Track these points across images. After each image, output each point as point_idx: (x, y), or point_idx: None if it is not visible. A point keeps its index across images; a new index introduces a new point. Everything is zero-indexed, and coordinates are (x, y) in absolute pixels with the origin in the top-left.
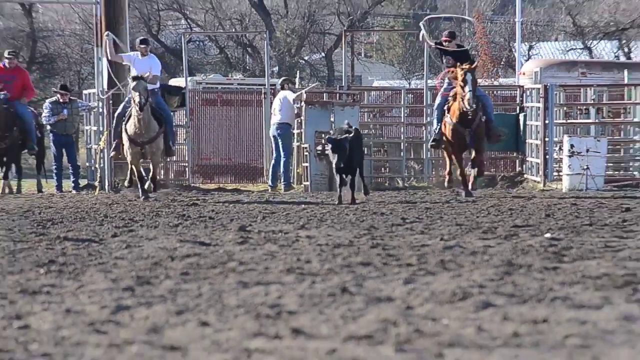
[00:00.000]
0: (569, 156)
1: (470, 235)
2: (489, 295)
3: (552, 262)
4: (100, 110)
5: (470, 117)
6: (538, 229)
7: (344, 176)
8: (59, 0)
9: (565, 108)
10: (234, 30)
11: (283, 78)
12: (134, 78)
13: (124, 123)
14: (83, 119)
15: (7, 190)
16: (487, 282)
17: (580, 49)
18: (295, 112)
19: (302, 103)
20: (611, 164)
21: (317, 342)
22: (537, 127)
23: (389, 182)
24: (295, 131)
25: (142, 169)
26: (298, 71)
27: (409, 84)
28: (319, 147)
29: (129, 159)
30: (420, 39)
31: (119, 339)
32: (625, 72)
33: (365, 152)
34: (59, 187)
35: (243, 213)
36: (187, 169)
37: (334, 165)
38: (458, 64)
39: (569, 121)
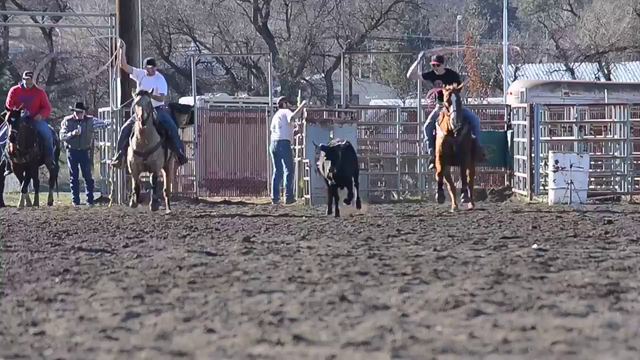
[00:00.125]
0: (554, 171)
1: (462, 246)
2: (480, 304)
3: (539, 271)
4: (114, 127)
5: (456, 134)
6: (526, 241)
7: (337, 187)
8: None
9: (549, 126)
10: (239, 52)
11: (281, 97)
12: (139, 93)
13: (130, 138)
14: (98, 135)
15: (25, 203)
16: (478, 290)
17: (563, 70)
18: (295, 129)
19: (303, 120)
20: (593, 179)
21: (317, 348)
22: (524, 144)
23: (384, 195)
24: (296, 147)
25: (140, 180)
26: (299, 90)
27: (404, 102)
28: (319, 162)
29: (130, 169)
30: (410, 70)
31: (130, 345)
32: (606, 92)
33: (363, 166)
34: (76, 199)
35: (247, 225)
36: (194, 182)
37: (326, 173)
38: (444, 85)
39: (553, 138)
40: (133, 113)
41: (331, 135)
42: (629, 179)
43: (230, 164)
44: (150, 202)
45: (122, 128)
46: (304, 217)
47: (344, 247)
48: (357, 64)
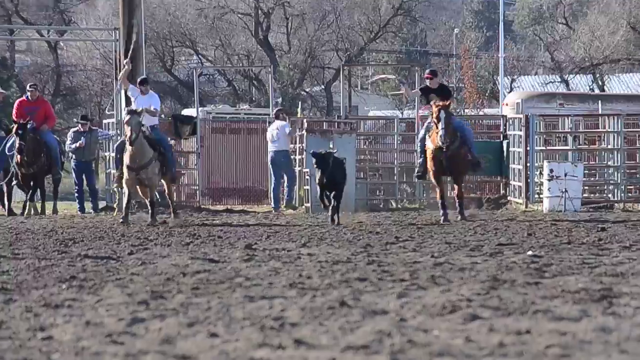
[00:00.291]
0: (549, 180)
1: (459, 252)
2: (476, 309)
3: (534, 277)
4: (119, 138)
5: (445, 149)
6: (521, 247)
7: (327, 193)
8: (82, 38)
9: (544, 136)
10: (241, 65)
11: (277, 109)
12: (129, 112)
13: (124, 153)
14: (102, 146)
15: (32, 212)
16: (474, 296)
17: (558, 82)
18: (291, 140)
19: (304, 131)
20: (587, 187)
21: (318, 352)
22: (519, 153)
23: (383, 203)
24: (297, 157)
25: (132, 195)
26: (300, 102)
27: (402, 113)
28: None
29: (124, 184)
30: (405, 96)
31: (135, 349)
32: (600, 103)
33: (362, 175)
34: (82, 208)
35: (249, 232)
36: (197, 191)
37: (317, 180)
38: (433, 101)
39: (548, 148)
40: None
41: (331, 145)
42: (622, 187)
43: (232, 173)
44: (173, 216)
45: (115, 146)
46: (304, 225)
47: (344, 254)
48: (356, 75)
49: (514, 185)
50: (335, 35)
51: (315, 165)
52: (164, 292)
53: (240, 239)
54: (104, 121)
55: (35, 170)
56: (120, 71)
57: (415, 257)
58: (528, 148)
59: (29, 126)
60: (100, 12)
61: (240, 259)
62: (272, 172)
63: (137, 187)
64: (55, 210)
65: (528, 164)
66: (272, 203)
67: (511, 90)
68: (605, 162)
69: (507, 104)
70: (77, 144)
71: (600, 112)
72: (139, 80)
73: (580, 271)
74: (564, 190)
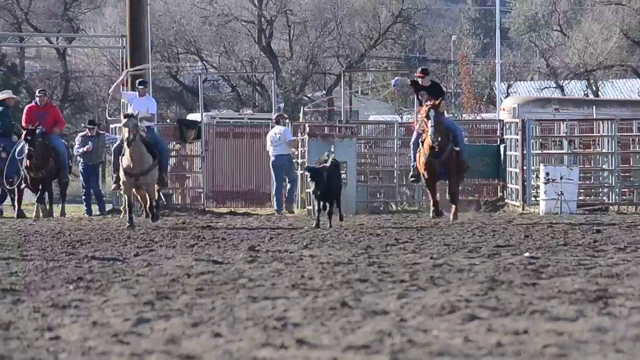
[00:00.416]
0: (545, 183)
1: (457, 254)
2: (475, 309)
3: (531, 278)
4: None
5: (437, 149)
6: (518, 249)
7: (322, 202)
8: (89, 45)
9: (540, 140)
10: (244, 71)
11: (277, 114)
12: (126, 115)
13: (120, 157)
14: (110, 150)
15: (40, 214)
16: (472, 296)
17: (554, 87)
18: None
19: (305, 135)
20: (583, 190)
21: (320, 351)
22: (516, 157)
23: (383, 206)
24: (300, 161)
25: (132, 199)
26: (302, 107)
27: (401, 118)
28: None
29: (122, 188)
30: (396, 86)
31: (140, 349)
32: (594, 108)
33: (362, 178)
34: (89, 211)
35: (252, 234)
36: (202, 194)
37: (312, 192)
38: (424, 101)
39: (544, 152)
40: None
41: (332, 150)
42: (617, 190)
43: (236, 176)
44: (150, 215)
45: (113, 149)
46: (306, 227)
47: (345, 256)
48: (356, 81)
49: (511, 188)
50: (336, 42)
51: (310, 179)
52: (169, 293)
53: (243, 241)
54: (111, 126)
55: (44, 175)
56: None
57: (415, 258)
58: (524, 152)
59: (38, 131)
60: (107, 20)
61: (244, 260)
62: (274, 176)
63: (135, 191)
64: (63, 213)
65: (525, 167)
66: (275, 206)
67: (508, 95)
68: (600, 166)
69: (503, 109)
70: (85, 148)
71: (594, 116)
72: (138, 81)
73: (576, 272)
74: (560, 193)
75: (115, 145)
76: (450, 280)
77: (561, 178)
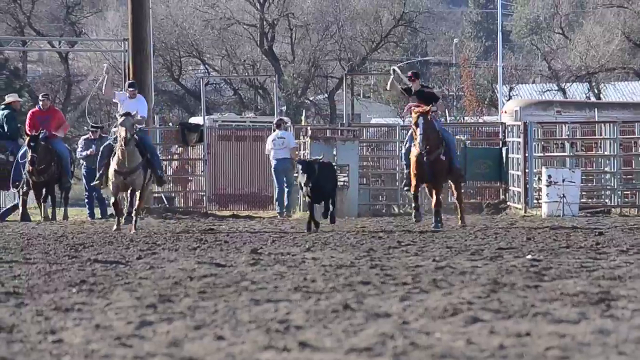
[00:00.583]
0: (547, 186)
1: (460, 256)
2: (477, 311)
3: (534, 281)
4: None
5: (426, 154)
6: (520, 251)
7: (314, 197)
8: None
9: (542, 142)
10: (246, 74)
11: (278, 118)
12: (123, 114)
13: (111, 157)
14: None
15: (43, 213)
16: (475, 299)
17: (555, 90)
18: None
19: (307, 138)
20: (585, 193)
21: (322, 354)
22: (518, 160)
23: (385, 209)
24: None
25: (121, 201)
26: (304, 110)
27: (403, 121)
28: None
29: (110, 187)
30: (388, 84)
31: (143, 351)
32: (596, 110)
33: (364, 181)
34: (91, 214)
35: (255, 237)
36: (204, 197)
37: (303, 186)
38: (413, 107)
39: (546, 154)
40: (115, 134)
41: (334, 153)
42: (619, 192)
43: (238, 179)
44: (125, 215)
45: (102, 148)
46: (313, 228)
47: (347, 258)
48: (358, 84)
49: (513, 191)
50: (338, 45)
51: (301, 172)
52: (171, 296)
53: (246, 244)
54: (113, 129)
55: (46, 179)
56: (128, 79)
57: (417, 261)
58: (527, 154)
59: (41, 135)
60: (109, 24)
61: (246, 263)
62: (275, 180)
63: (122, 192)
64: (65, 216)
65: (527, 170)
66: (277, 208)
67: (510, 98)
68: (602, 168)
69: (505, 112)
70: (88, 152)
71: (596, 119)
72: (127, 83)
73: (579, 275)
74: (562, 195)
75: (103, 146)
76: (452, 282)
77: (563, 180)
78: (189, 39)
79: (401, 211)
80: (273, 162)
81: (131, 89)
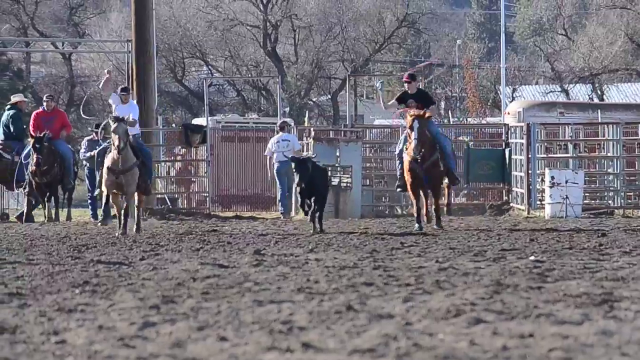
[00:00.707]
0: (550, 187)
1: (463, 257)
2: (480, 312)
3: (537, 282)
4: None
5: (420, 159)
6: (523, 252)
7: (306, 196)
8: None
9: (545, 144)
10: (250, 75)
11: (282, 121)
12: (116, 119)
13: (107, 154)
14: None
15: (47, 213)
16: (478, 300)
17: (558, 91)
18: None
19: (310, 139)
20: (588, 194)
21: (325, 355)
22: (521, 161)
23: (388, 210)
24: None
25: (115, 202)
26: (307, 111)
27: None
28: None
29: (104, 188)
30: (382, 105)
31: (146, 352)
32: (599, 112)
33: (367, 182)
34: (94, 215)
35: (258, 238)
36: (207, 198)
37: (295, 184)
38: (408, 111)
39: (549, 155)
40: (108, 139)
41: (337, 154)
42: (622, 194)
43: (241, 180)
44: (135, 228)
45: (98, 150)
46: (311, 231)
47: (350, 259)
48: (361, 85)
49: (516, 192)
50: (341, 46)
51: (293, 170)
52: (174, 297)
53: (249, 245)
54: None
55: (49, 180)
56: (132, 81)
57: (420, 262)
58: (530, 156)
59: (45, 136)
60: (113, 25)
61: (249, 264)
62: (278, 182)
63: (114, 192)
64: (69, 217)
65: (530, 171)
66: (281, 209)
67: (513, 99)
68: (605, 170)
69: (508, 113)
70: (91, 153)
71: (599, 120)
72: (120, 88)
73: (582, 276)
74: (565, 196)
75: (99, 149)
76: (455, 283)
77: (566, 182)
78: (192, 40)
79: (404, 212)
80: (276, 165)
81: (124, 94)
